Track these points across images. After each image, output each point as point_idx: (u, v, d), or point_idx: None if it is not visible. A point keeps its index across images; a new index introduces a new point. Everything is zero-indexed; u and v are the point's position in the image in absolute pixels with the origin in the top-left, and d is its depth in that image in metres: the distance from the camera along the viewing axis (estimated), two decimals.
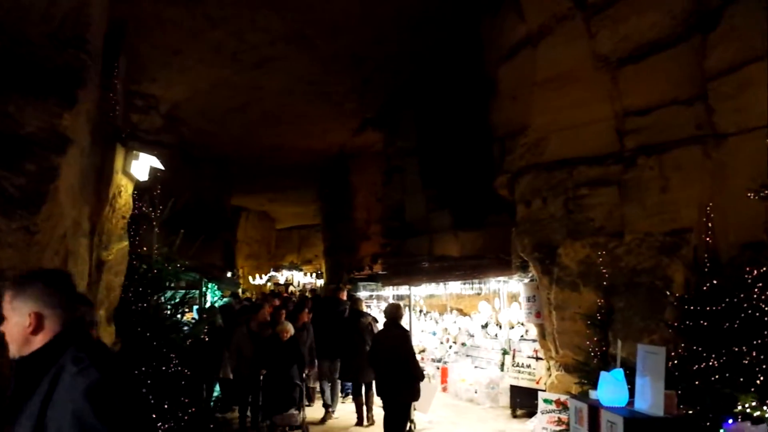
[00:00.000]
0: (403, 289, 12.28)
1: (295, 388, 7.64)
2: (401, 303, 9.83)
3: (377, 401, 7.70)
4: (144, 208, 6.37)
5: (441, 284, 11.51)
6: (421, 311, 13.73)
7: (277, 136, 16.35)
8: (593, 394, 4.45)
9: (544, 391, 7.72)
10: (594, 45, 6.69)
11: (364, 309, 10.60)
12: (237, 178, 20.55)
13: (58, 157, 3.78)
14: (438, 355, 11.52)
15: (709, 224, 5.49)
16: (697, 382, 4.66)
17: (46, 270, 2.36)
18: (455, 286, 11.23)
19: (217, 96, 13.17)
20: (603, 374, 4.32)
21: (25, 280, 2.10)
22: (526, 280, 8.19)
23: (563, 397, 6.83)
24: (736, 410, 4.23)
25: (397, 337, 6.99)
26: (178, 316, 6.89)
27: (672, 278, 5.79)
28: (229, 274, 20.55)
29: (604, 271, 6.32)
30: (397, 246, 14.45)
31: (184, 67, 11.41)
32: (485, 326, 10.80)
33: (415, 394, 7.00)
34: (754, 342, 4.54)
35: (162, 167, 5.84)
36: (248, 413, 8.58)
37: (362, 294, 13.95)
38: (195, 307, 11.59)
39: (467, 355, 10.77)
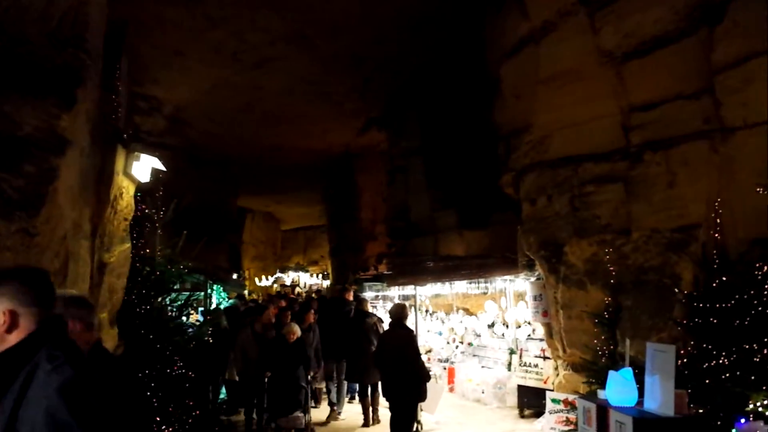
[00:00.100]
0: (408, 289, 12.22)
1: (300, 391, 7.59)
2: (407, 303, 9.78)
3: (384, 402, 7.64)
4: (147, 210, 6.33)
5: (447, 284, 11.45)
6: (427, 311, 13.67)
7: (281, 136, 16.36)
8: (601, 394, 4.39)
9: (552, 390, 7.66)
10: (598, 41, 6.63)
11: (370, 309, 10.55)
12: (242, 180, 20.58)
13: (57, 158, 3.74)
14: (444, 355, 11.45)
15: (718, 220, 5.41)
16: (707, 381, 4.60)
17: (22, 268, 2.35)
18: (461, 286, 11.16)
19: (219, 97, 13.18)
20: (611, 373, 4.26)
21: (1, 278, 2.07)
22: (533, 279, 8.13)
23: (571, 397, 6.77)
24: (747, 409, 4.17)
25: (402, 337, 6.93)
26: (183, 318, 6.87)
27: (680, 275, 5.72)
28: (235, 276, 20.56)
29: (611, 268, 6.25)
30: (403, 246, 14.41)
31: (186, 67, 11.42)
32: (492, 326, 10.73)
33: (422, 395, 6.94)
34: (766, 339, 4.47)
35: (164, 168, 5.80)
36: (254, 415, 8.54)
37: (368, 294, 13.90)
38: (200, 309, 11.58)
39: (474, 355, 10.70)
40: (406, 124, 14.24)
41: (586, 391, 6.01)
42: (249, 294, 23.28)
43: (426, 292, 12.82)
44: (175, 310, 6.62)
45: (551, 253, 7.13)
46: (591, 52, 6.69)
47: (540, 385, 8.49)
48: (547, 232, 7.19)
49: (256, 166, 19.34)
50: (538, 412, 8.17)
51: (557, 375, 7.80)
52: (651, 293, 5.96)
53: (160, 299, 6.14)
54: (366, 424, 8.78)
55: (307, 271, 33.18)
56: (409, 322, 7.73)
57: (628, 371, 4.21)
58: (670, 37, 5.98)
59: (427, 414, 8.50)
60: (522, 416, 8.81)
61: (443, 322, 12.75)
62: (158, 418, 5.50)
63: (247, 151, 17.62)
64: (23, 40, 3.71)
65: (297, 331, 7.83)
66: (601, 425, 4.25)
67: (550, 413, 7.34)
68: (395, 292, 13.38)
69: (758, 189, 4.89)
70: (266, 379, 7.90)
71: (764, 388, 4.23)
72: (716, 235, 5.39)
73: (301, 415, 7.53)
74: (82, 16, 4.00)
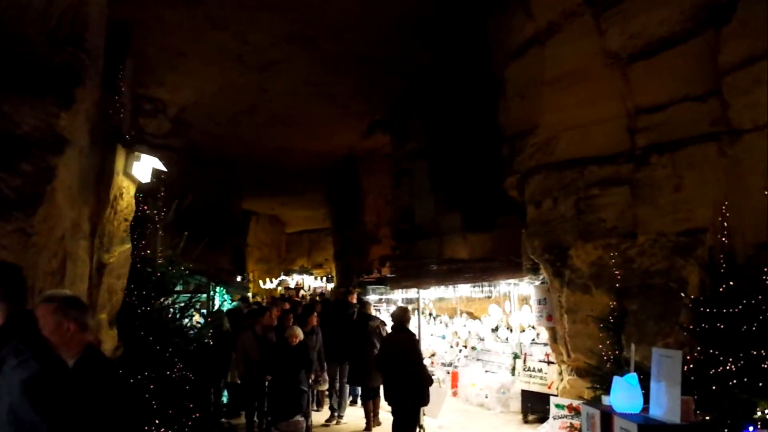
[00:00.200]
0: (412, 292, 12.17)
1: (302, 395, 7.53)
2: (410, 306, 9.72)
3: (386, 406, 7.58)
4: (148, 211, 6.29)
5: (450, 287, 11.40)
6: (430, 314, 13.60)
7: (285, 138, 16.36)
8: (606, 400, 4.31)
9: (556, 395, 7.58)
10: (604, 42, 6.57)
11: (373, 312, 10.50)
12: (246, 182, 20.59)
13: (56, 157, 3.70)
14: (448, 359, 11.39)
15: (725, 223, 5.33)
16: (714, 388, 4.52)
17: None
18: (465, 289, 11.11)
19: (223, 99, 13.19)
20: (616, 379, 4.18)
21: None
22: (537, 283, 8.06)
23: (575, 402, 6.69)
24: (755, 416, 4.10)
25: (404, 341, 6.88)
26: (185, 320, 6.81)
27: (687, 280, 5.64)
28: (239, 278, 20.54)
29: (617, 272, 6.17)
30: (407, 249, 14.36)
31: (190, 69, 11.44)
32: (495, 330, 10.67)
33: (424, 399, 6.88)
34: None
35: (164, 169, 5.76)
36: (255, 418, 8.49)
37: (371, 297, 13.86)
38: (203, 311, 11.54)
39: (477, 359, 10.63)
40: (410, 126, 14.21)
41: (590, 396, 5.93)
42: (253, 296, 23.26)
43: (430, 295, 12.76)
44: (176, 311, 6.57)
45: (556, 257, 7.06)
46: (596, 53, 6.63)
47: (544, 390, 8.42)
48: (552, 235, 7.12)
49: (261, 168, 19.35)
50: (542, 418, 8.09)
51: (561, 380, 7.72)
52: (657, 298, 5.88)
53: (160, 301, 6.08)
54: (368, 428, 8.72)
55: (311, 274, 33.17)
56: (413, 326, 7.67)
57: (633, 377, 4.13)
58: (676, 38, 5.92)
59: (430, 418, 8.44)
60: (526, 421, 8.74)
61: (447, 325, 12.69)
62: (157, 421, 5.44)
63: (252, 154, 17.63)
64: (22, 40, 3.68)
65: (299, 334, 7.79)
66: None
67: (554, 419, 7.26)
68: (399, 295, 13.33)
69: (766, 192, 4.82)
70: (267, 383, 7.85)
71: None
72: (723, 239, 5.31)
73: (302, 419, 7.47)
74: (81, 16, 3.97)
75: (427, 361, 10.44)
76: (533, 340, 9.29)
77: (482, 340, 10.86)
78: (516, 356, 9.48)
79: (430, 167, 13.34)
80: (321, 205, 25.04)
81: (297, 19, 9.63)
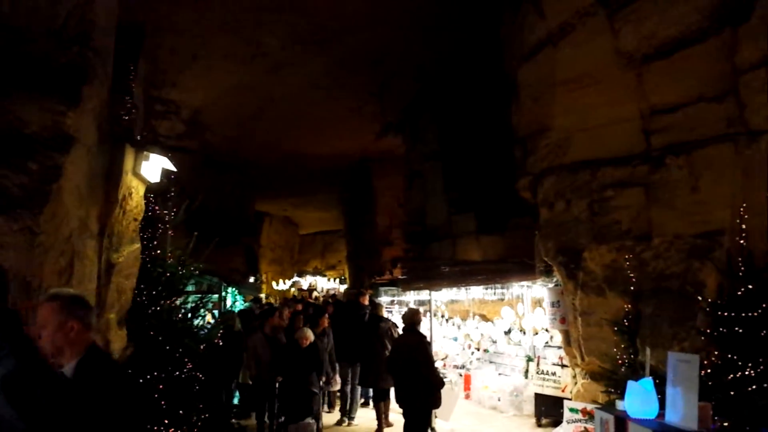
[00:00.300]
0: (424, 294, 12.11)
1: (312, 397, 7.48)
2: (422, 308, 9.65)
3: (398, 408, 7.52)
4: (158, 211, 6.29)
5: (463, 289, 11.31)
6: (443, 316, 13.52)
7: (298, 140, 16.38)
8: (620, 405, 4.21)
9: (570, 399, 7.49)
10: (617, 42, 6.45)
11: (385, 314, 10.45)
12: (260, 184, 20.64)
13: (62, 156, 3.69)
14: (460, 361, 11.30)
15: (743, 226, 5.20)
16: (732, 393, 4.40)
17: None
18: (478, 291, 11.02)
19: (237, 101, 13.23)
20: (631, 384, 4.08)
21: None
22: (551, 285, 7.98)
23: (590, 406, 6.61)
24: None
25: (414, 343, 6.82)
26: (195, 320, 6.81)
27: (704, 283, 5.51)
28: (252, 279, 20.59)
29: (631, 275, 6.06)
30: (420, 251, 14.29)
31: (202, 71, 11.49)
32: (508, 332, 10.57)
33: (436, 402, 6.81)
34: None
35: (174, 168, 5.74)
36: (266, 419, 8.46)
37: (383, 299, 13.81)
38: (215, 312, 11.57)
39: (490, 362, 10.54)
40: (423, 128, 14.15)
41: (604, 400, 5.84)
42: (266, 297, 23.32)
43: (442, 297, 12.69)
44: (186, 311, 6.56)
45: (569, 259, 6.96)
46: (610, 53, 6.51)
47: (558, 393, 8.32)
48: (566, 237, 7.02)
49: (274, 170, 19.38)
50: (556, 422, 7.99)
51: (575, 383, 7.63)
52: (672, 301, 5.76)
53: (169, 301, 6.08)
54: (380, 430, 8.67)
55: (324, 276, 33.23)
56: (424, 328, 7.61)
57: (648, 381, 4.02)
58: (692, 38, 5.78)
59: (441, 421, 8.37)
60: (539, 425, 8.65)
61: (459, 327, 12.60)
62: (166, 421, 5.43)
63: (265, 155, 17.66)
64: (29, 38, 3.67)
65: (310, 336, 7.74)
66: None
67: (568, 423, 7.17)
68: (411, 297, 13.26)
69: None
70: (277, 384, 7.81)
71: None
72: (741, 241, 5.18)
73: (312, 421, 7.42)
74: (88, 15, 3.96)
75: (439, 364, 10.38)
76: (546, 343, 9.19)
77: (495, 342, 10.77)
78: (529, 359, 9.38)
79: (442, 169, 13.26)
80: (334, 207, 25.06)
81: (309, 21, 9.63)
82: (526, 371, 9.40)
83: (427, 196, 14.01)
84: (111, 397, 2.47)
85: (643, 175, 6.23)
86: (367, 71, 11.83)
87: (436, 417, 7.97)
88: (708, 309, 5.18)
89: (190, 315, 6.51)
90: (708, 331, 5.05)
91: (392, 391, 7.58)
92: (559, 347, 8.41)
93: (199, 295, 7.39)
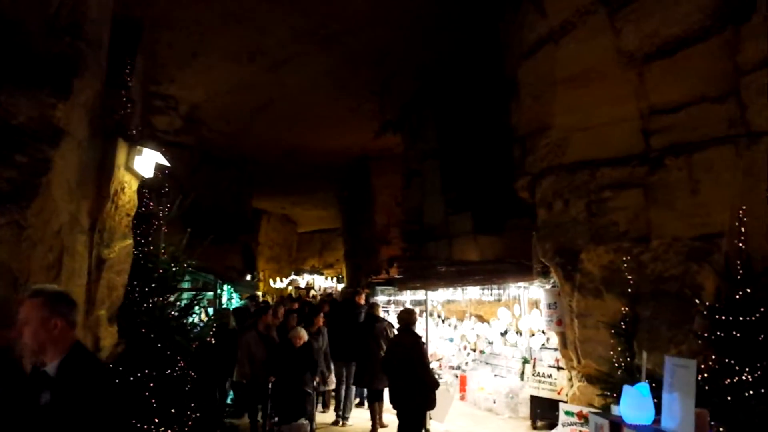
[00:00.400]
0: (420, 294, 12.04)
1: (305, 397, 7.42)
2: (417, 308, 9.60)
3: (392, 408, 7.47)
4: (152, 207, 6.22)
5: (459, 289, 11.25)
6: (439, 317, 13.46)
7: (297, 137, 16.31)
8: (615, 410, 4.14)
9: (566, 402, 7.43)
10: (618, 41, 6.38)
11: (382, 314, 10.39)
12: (258, 181, 20.56)
13: (52, 149, 3.62)
14: (456, 362, 11.24)
15: (742, 228, 5.14)
16: (729, 399, 4.34)
17: None
18: (474, 292, 10.96)
19: (235, 97, 13.15)
20: (626, 388, 4.00)
21: None
22: (548, 286, 7.91)
23: (585, 409, 6.56)
24: None
25: (409, 343, 6.77)
26: (189, 318, 6.74)
27: (702, 286, 5.45)
28: (248, 277, 20.51)
29: (629, 277, 5.99)
30: (417, 250, 14.22)
31: (201, 67, 11.42)
32: (505, 333, 10.50)
33: (430, 403, 6.76)
34: None
35: (167, 164, 5.67)
36: (259, 419, 8.40)
37: (380, 298, 13.74)
38: (210, 310, 11.50)
39: (486, 363, 10.48)
40: (422, 126, 14.08)
41: (601, 404, 5.79)
42: (263, 295, 23.25)
43: (438, 297, 12.62)
44: (180, 308, 6.49)
45: (567, 260, 6.89)
46: (611, 52, 6.45)
47: (553, 396, 8.27)
48: (564, 238, 6.95)
49: (272, 167, 19.31)
50: (551, 424, 7.94)
51: (571, 386, 7.56)
52: (670, 304, 5.69)
53: (162, 298, 6.00)
54: (374, 431, 8.61)
55: (322, 274, 33.17)
56: (420, 328, 7.54)
57: (644, 386, 3.94)
58: (694, 37, 5.72)
59: (436, 422, 8.31)
60: (534, 427, 8.60)
61: (455, 328, 12.54)
62: (156, 420, 5.37)
63: (263, 152, 17.60)
64: (19, 28, 3.60)
65: (303, 335, 7.66)
66: None
67: (564, 426, 7.11)
68: (407, 297, 13.19)
69: None
70: (270, 384, 7.74)
71: None
72: (740, 244, 5.12)
73: (306, 422, 7.36)
74: (81, 5, 3.88)
75: (434, 365, 10.32)
76: (543, 344, 9.14)
77: (491, 343, 10.71)
78: (525, 361, 9.33)
79: (440, 168, 13.20)
80: (333, 205, 24.99)
81: (309, 19, 9.57)
82: (522, 373, 9.35)
83: (425, 195, 13.95)
84: (94, 397, 2.42)
85: (642, 176, 6.17)
86: (367, 70, 11.77)
87: (430, 418, 7.91)
88: (706, 312, 5.11)
89: (183, 312, 6.44)
90: (705, 334, 4.98)
91: (386, 391, 7.53)
92: (556, 349, 8.35)
93: (192, 293, 7.31)
